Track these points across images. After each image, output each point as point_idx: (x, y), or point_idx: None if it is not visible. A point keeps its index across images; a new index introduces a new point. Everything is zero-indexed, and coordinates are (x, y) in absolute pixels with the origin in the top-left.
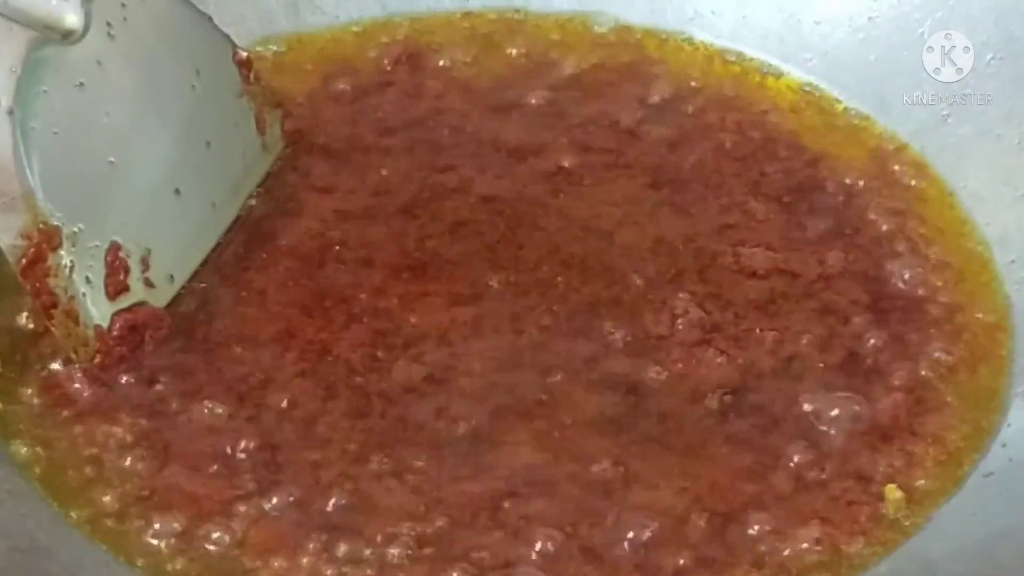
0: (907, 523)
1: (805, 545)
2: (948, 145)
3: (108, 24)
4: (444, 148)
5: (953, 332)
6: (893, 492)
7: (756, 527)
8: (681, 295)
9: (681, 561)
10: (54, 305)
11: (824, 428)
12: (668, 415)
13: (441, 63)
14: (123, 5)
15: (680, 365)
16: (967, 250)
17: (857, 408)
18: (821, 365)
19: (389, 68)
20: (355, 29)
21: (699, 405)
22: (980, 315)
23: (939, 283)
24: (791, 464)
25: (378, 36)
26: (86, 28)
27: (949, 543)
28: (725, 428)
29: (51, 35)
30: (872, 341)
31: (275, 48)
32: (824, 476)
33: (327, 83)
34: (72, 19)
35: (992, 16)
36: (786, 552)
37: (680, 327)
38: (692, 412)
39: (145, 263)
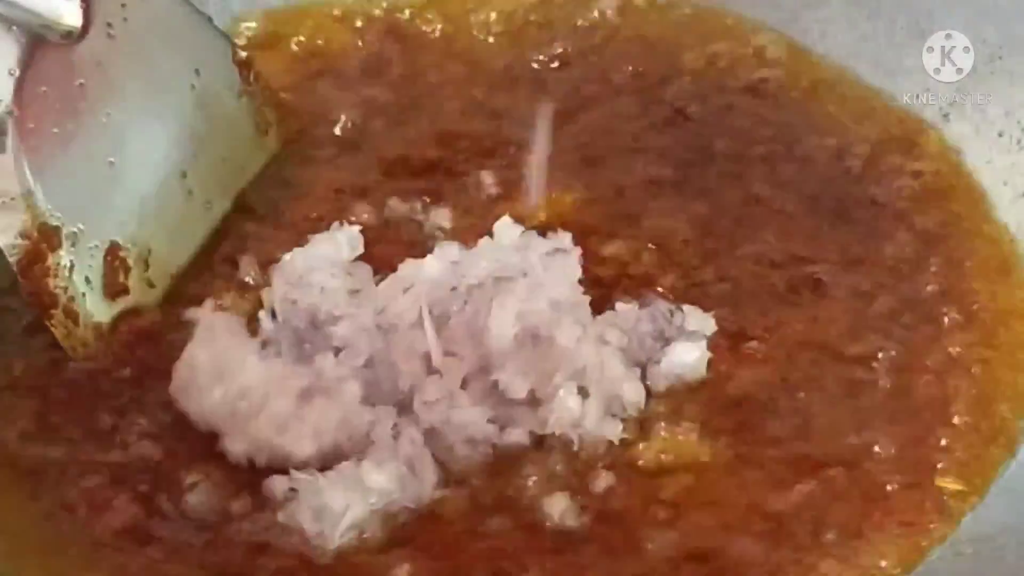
0: (962, 503)
1: (870, 532)
2: (948, 145)
3: (108, 24)
4: (453, 119)
5: (972, 320)
6: (948, 482)
7: (819, 523)
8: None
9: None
10: (54, 305)
11: (865, 418)
12: (716, 415)
13: (435, 34)
14: (123, 5)
15: (719, 366)
16: (977, 237)
17: (892, 396)
18: (854, 349)
19: (383, 44)
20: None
21: (739, 404)
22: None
23: (959, 279)
24: (842, 456)
25: (366, 11)
26: (86, 28)
27: (1001, 519)
28: (768, 427)
29: (51, 35)
30: (899, 321)
31: (259, 27)
32: (873, 465)
33: (317, 65)
34: (72, 19)
35: (992, 16)
36: (854, 542)
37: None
38: (734, 411)
39: (145, 263)
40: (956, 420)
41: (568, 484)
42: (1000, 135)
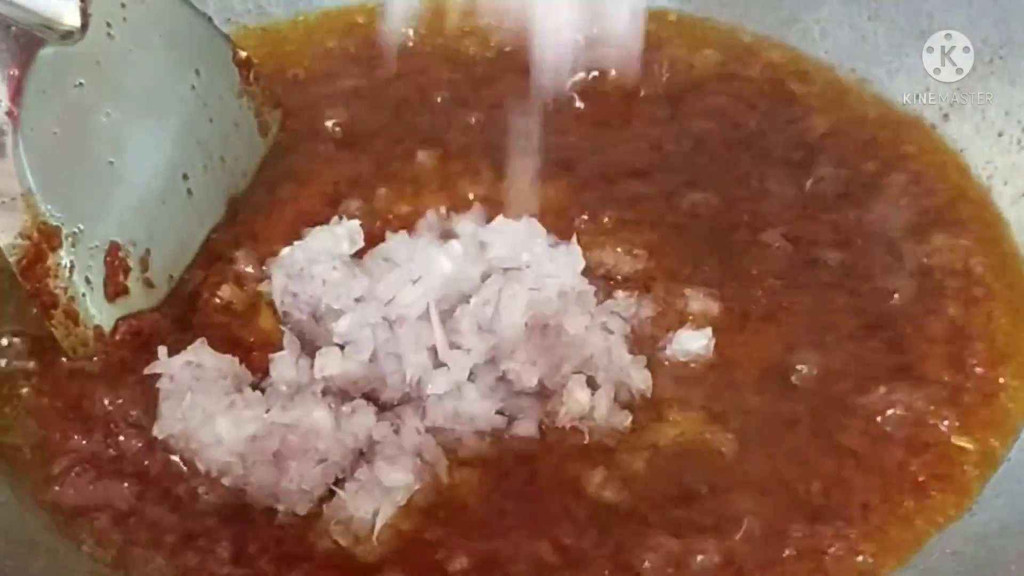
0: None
1: (903, 492)
2: (949, 142)
3: (108, 24)
4: (443, 116)
5: (972, 293)
6: (964, 441)
7: (852, 490)
8: (702, 273)
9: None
10: (54, 305)
11: (876, 389)
12: (725, 398)
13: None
14: (123, 5)
15: (725, 350)
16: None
17: (898, 366)
18: (855, 326)
19: (373, 46)
20: (306, 18)
21: (756, 385)
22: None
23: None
24: (857, 426)
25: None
26: (85, 28)
27: (1001, 519)
28: (779, 406)
29: (50, 35)
30: (897, 295)
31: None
32: (889, 429)
33: (312, 64)
34: (71, 19)
35: (992, 16)
36: (890, 503)
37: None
38: (751, 394)
39: (144, 263)
40: (964, 384)
41: (594, 464)
42: (1000, 135)
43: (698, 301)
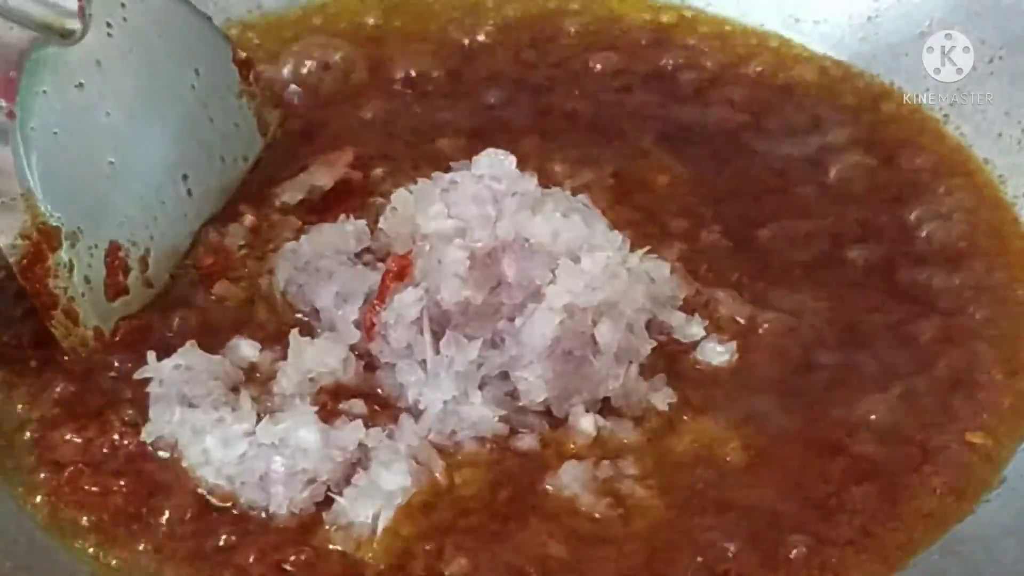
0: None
1: (915, 494)
2: (953, 140)
3: (108, 24)
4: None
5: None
6: (978, 437)
7: (860, 497)
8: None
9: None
10: (54, 306)
11: (892, 389)
12: (739, 401)
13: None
14: (123, 5)
15: (743, 354)
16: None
17: (917, 365)
18: (875, 325)
19: (366, 42)
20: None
21: (772, 387)
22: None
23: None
24: (872, 431)
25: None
26: (85, 28)
27: (1000, 519)
28: (797, 409)
29: (50, 35)
30: (917, 296)
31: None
32: (904, 430)
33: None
34: (71, 19)
35: (992, 16)
36: (903, 505)
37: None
38: (766, 397)
39: (144, 263)
40: (981, 381)
41: (601, 470)
42: (1000, 135)
43: (728, 306)
